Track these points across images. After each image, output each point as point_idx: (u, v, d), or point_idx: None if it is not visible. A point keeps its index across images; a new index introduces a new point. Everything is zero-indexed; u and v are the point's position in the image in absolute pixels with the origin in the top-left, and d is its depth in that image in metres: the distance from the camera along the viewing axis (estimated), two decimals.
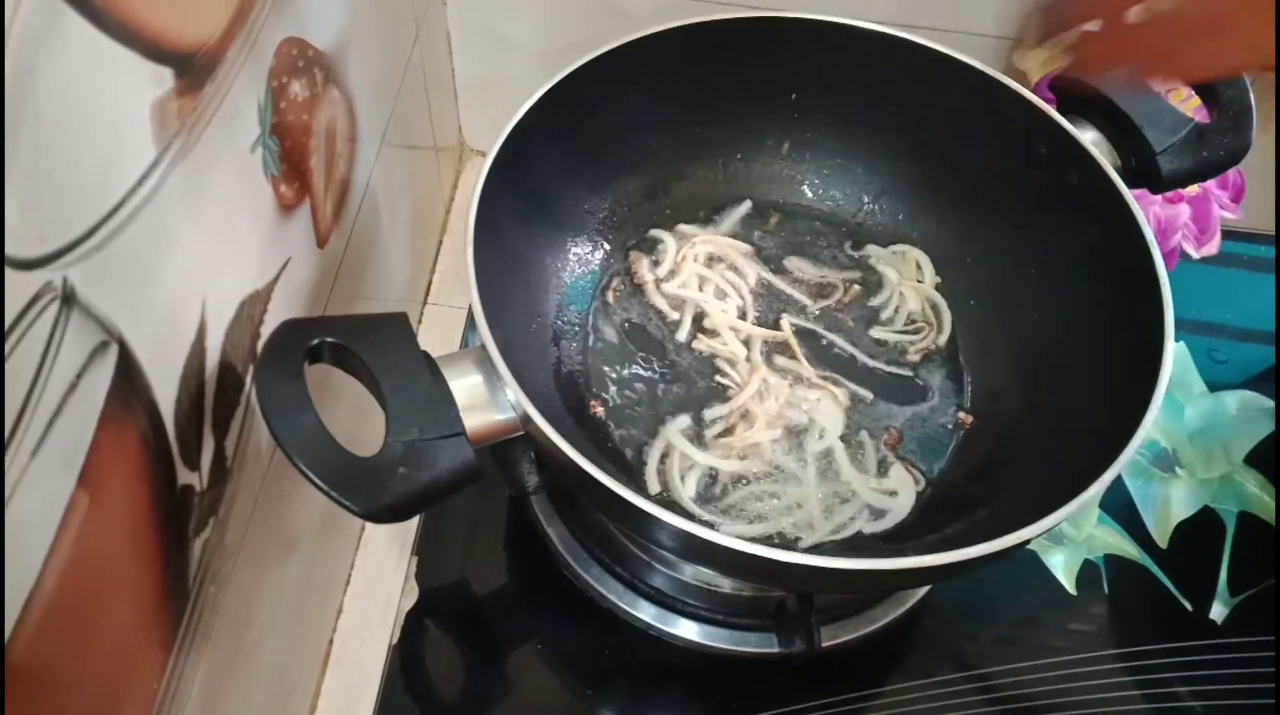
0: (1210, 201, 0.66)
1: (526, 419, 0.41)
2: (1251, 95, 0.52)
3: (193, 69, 0.34)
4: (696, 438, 0.55)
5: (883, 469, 0.54)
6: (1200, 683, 0.60)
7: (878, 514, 0.53)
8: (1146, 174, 0.53)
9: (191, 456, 0.37)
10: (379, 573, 0.62)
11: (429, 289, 0.76)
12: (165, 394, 0.35)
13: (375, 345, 0.40)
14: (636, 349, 0.58)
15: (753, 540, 0.38)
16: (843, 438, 0.55)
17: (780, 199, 0.65)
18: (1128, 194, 0.50)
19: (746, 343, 0.58)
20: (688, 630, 0.58)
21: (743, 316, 0.60)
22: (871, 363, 0.59)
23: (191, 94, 0.34)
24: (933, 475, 0.55)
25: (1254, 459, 0.69)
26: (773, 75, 0.60)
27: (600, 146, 0.59)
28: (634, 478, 0.53)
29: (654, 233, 0.63)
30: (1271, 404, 0.72)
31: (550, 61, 0.52)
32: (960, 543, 0.39)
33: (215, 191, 0.36)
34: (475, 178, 0.48)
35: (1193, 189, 0.66)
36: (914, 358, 0.59)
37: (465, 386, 0.41)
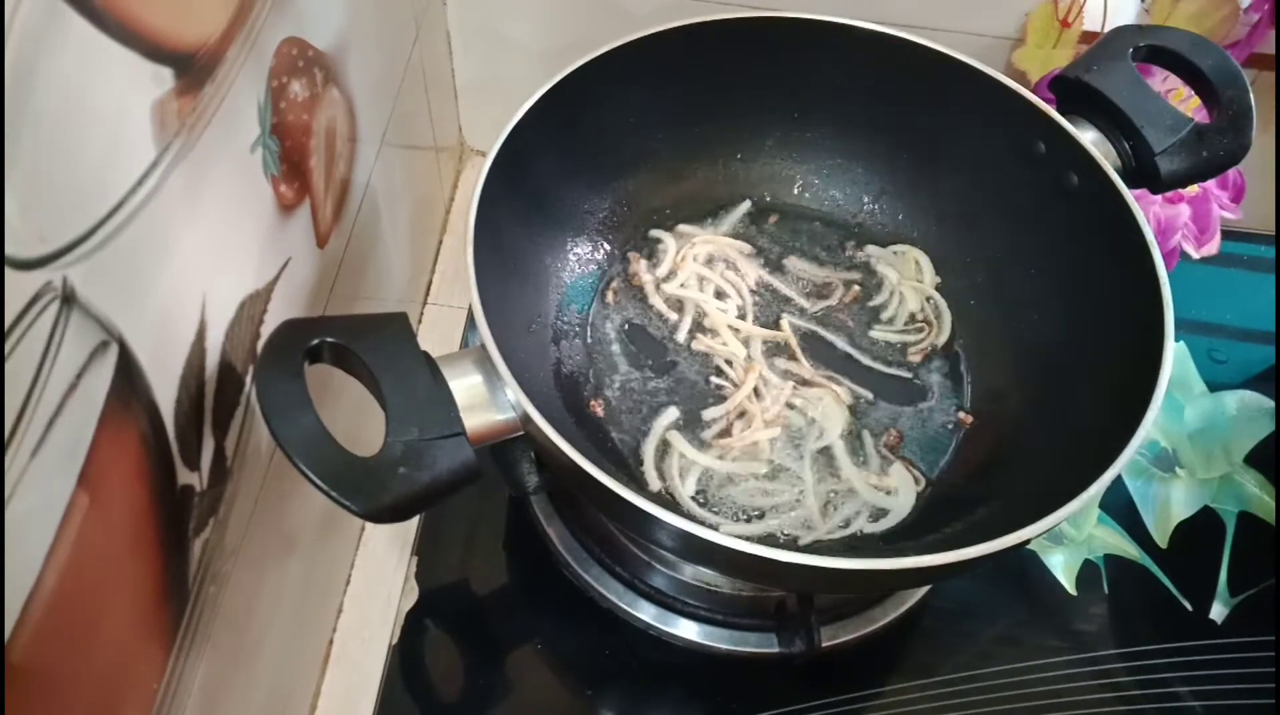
0: (1210, 201, 0.66)
1: (526, 419, 0.41)
2: (1251, 95, 0.52)
3: (193, 69, 0.34)
4: (695, 438, 0.55)
5: (883, 468, 0.54)
6: (1200, 683, 0.60)
7: (878, 513, 0.53)
8: (1146, 174, 0.53)
9: (191, 456, 0.37)
10: (379, 573, 0.62)
11: (429, 289, 0.76)
12: (165, 394, 0.35)
13: (375, 345, 0.40)
14: (636, 349, 0.58)
15: (753, 540, 0.38)
16: (843, 437, 0.55)
17: (780, 199, 0.65)
18: (1128, 194, 0.50)
19: (746, 343, 0.58)
20: (688, 630, 0.58)
21: (742, 316, 0.60)
22: (871, 363, 0.59)
23: (191, 94, 0.34)
24: (933, 475, 0.55)
25: (1254, 459, 0.69)
26: (773, 75, 0.59)
27: (600, 146, 0.59)
28: (634, 478, 0.53)
29: (654, 233, 0.63)
30: (1271, 404, 0.72)
31: (550, 61, 0.52)
32: (960, 543, 0.39)
33: (215, 191, 0.36)
34: (475, 178, 0.48)
35: (1193, 189, 0.66)
36: (914, 358, 0.59)
37: (465, 386, 0.41)
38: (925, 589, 0.60)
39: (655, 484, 0.53)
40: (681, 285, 0.60)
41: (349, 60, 0.50)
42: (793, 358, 0.58)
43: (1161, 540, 0.65)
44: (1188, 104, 0.60)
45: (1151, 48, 0.54)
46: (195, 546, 0.39)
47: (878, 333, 0.60)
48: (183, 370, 0.36)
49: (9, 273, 0.25)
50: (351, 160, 0.53)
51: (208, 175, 0.36)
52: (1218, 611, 0.63)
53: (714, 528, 0.44)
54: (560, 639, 0.60)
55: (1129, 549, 0.65)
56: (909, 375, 0.58)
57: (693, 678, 0.59)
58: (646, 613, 0.58)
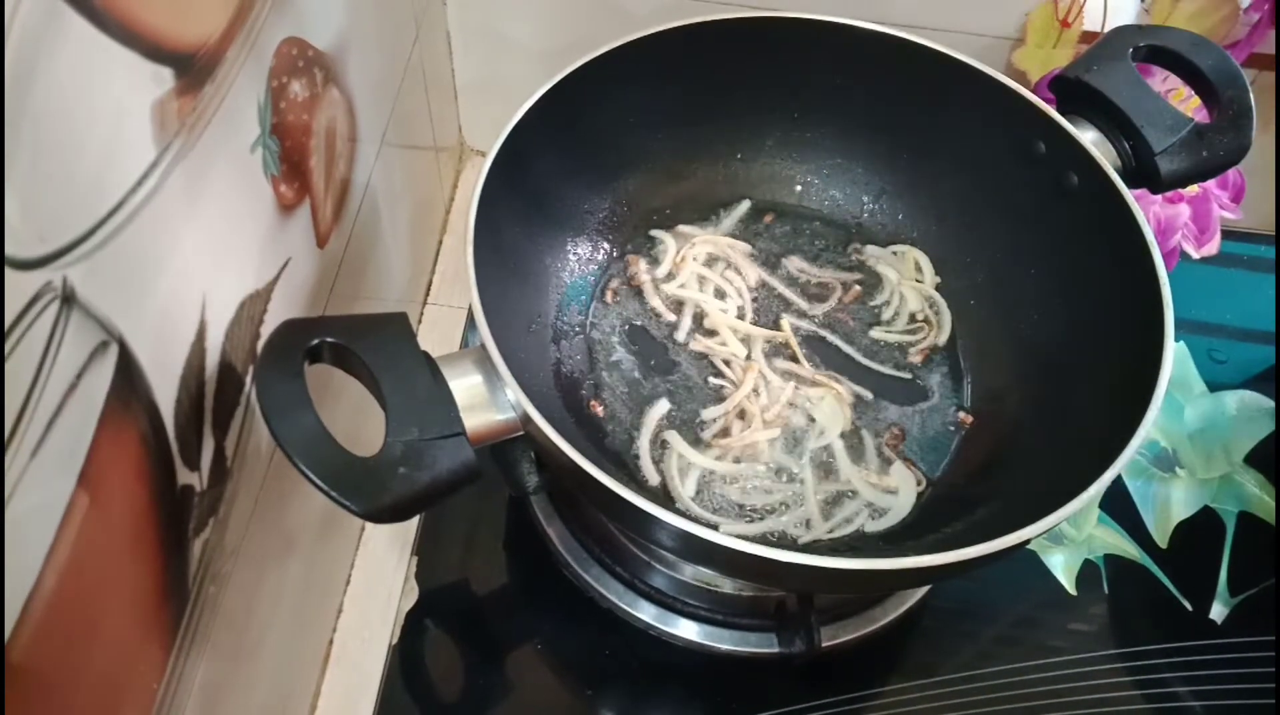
0: (1210, 201, 0.66)
1: (526, 419, 0.41)
2: (1251, 95, 0.52)
3: (193, 69, 0.34)
4: (695, 438, 0.55)
5: (883, 468, 0.54)
6: (1200, 683, 0.60)
7: (878, 513, 0.53)
8: (1146, 174, 0.53)
9: (191, 456, 0.37)
10: (379, 573, 0.62)
11: (429, 289, 0.76)
12: (165, 394, 0.35)
13: (375, 345, 0.40)
14: (636, 349, 0.58)
15: (752, 540, 0.38)
16: (843, 437, 0.55)
17: (780, 199, 0.65)
18: (1128, 194, 0.50)
19: (746, 343, 0.58)
20: (688, 630, 0.58)
21: (742, 316, 0.60)
22: (871, 363, 0.59)
23: (191, 94, 0.34)
24: (933, 475, 0.55)
25: (1254, 459, 0.69)
26: (773, 75, 0.59)
27: (600, 146, 0.59)
28: (634, 478, 0.53)
29: (654, 233, 0.63)
30: (1271, 404, 0.72)
31: (550, 61, 0.52)
32: (960, 543, 0.39)
33: (215, 191, 0.36)
34: (475, 178, 0.48)
35: (1193, 189, 0.66)
36: (914, 358, 0.59)
37: (465, 386, 0.41)
38: (925, 589, 0.60)
39: (653, 478, 0.53)
40: (681, 285, 0.60)
41: (349, 60, 0.50)
42: (792, 358, 0.58)
43: (1161, 540, 0.65)
44: (1188, 104, 0.60)
45: (1151, 48, 0.54)
46: (195, 546, 0.39)
47: (878, 333, 0.60)
48: (183, 370, 0.36)
49: (9, 273, 0.25)
50: (351, 160, 0.53)
51: (208, 175, 0.36)
52: (1218, 611, 0.63)
53: (714, 528, 0.44)
54: (560, 639, 0.60)
55: (1129, 549, 0.65)
56: (909, 375, 0.58)
57: (693, 678, 0.59)
58: (646, 613, 0.58)
